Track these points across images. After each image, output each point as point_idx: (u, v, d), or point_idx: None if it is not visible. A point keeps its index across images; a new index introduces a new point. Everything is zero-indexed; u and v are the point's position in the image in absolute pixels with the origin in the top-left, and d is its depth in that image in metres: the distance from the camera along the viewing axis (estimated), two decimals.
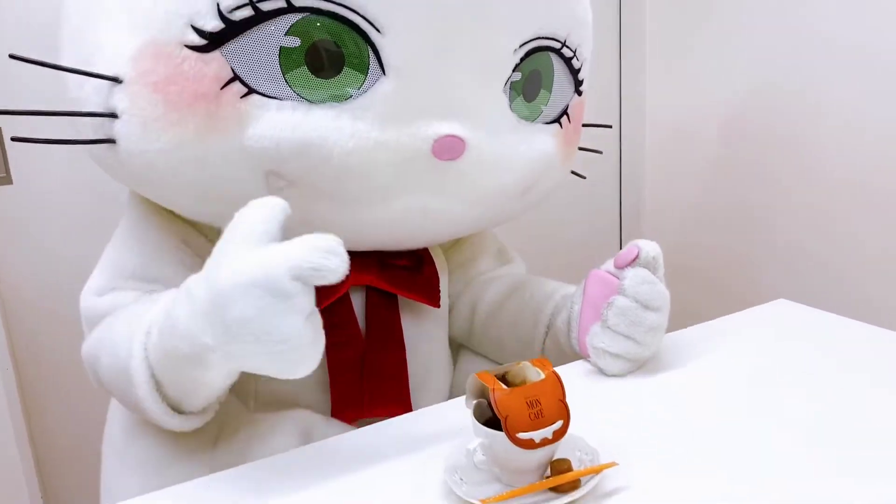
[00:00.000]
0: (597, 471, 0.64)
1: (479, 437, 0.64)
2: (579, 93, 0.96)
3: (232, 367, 0.68)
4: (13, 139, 0.79)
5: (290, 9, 0.71)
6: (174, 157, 0.75)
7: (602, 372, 0.86)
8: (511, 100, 0.86)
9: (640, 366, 0.86)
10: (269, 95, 0.73)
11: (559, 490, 0.63)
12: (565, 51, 0.88)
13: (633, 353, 0.83)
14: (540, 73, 0.88)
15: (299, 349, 0.61)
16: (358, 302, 0.92)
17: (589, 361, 0.88)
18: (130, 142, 0.76)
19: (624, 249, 0.86)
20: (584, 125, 1.05)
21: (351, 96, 0.75)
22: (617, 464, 0.64)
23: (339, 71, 0.74)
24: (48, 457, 1.40)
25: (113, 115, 0.76)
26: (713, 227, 1.77)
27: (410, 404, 0.95)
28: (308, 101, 0.74)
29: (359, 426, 0.82)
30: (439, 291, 0.96)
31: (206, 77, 0.72)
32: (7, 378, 1.29)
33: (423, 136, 0.76)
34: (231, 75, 0.72)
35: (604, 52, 1.87)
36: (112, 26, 0.76)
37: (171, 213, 0.89)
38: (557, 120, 0.93)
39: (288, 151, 0.74)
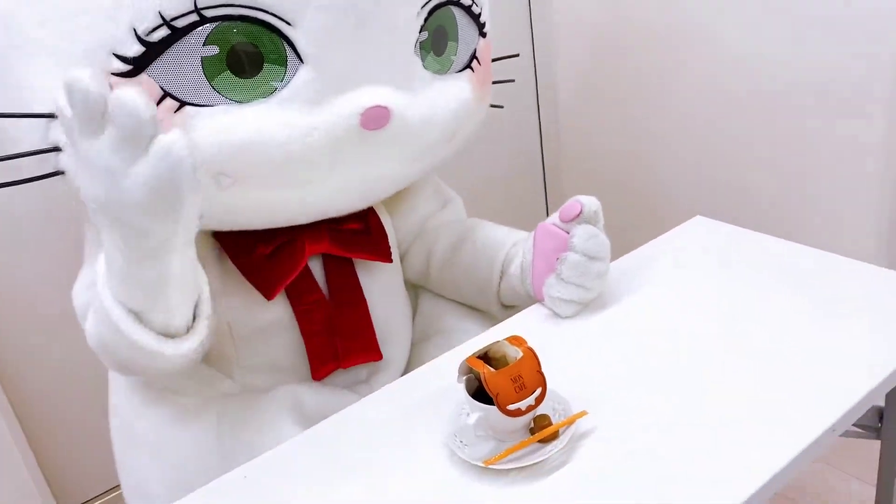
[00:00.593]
0: (571, 421, 0.78)
1: (475, 411, 0.76)
2: (483, 35, 1.03)
3: (135, 224, 0.72)
4: None
5: (203, 20, 0.76)
6: None
7: (557, 315, 0.99)
8: (423, 59, 0.93)
9: (586, 305, 1.00)
10: (200, 104, 0.79)
11: (544, 441, 0.77)
12: (464, 0, 0.96)
13: (584, 297, 0.97)
14: (444, 27, 0.95)
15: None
16: (317, 269, 1.01)
17: (544, 305, 1.01)
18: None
19: (567, 204, 0.97)
20: (493, 60, 1.11)
21: (276, 90, 0.81)
22: (587, 413, 0.79)
23: (260, 69, 0.80)
24: (46, 448, 1.48)
25: (56, 149, 0.81)
26: (629, 143, 1.90)
27: (379, 351, 1.06)
28: (238, 101, 0.80)
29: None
30: (389, 247, 1.06)
31: None
32: None
33: (349, 113, 0.83)
34: (161, 93, 0.77)
35: None
36: (38, 69, 0.80)
37: None
38: (468, 66, 1.00)
39: (228, 153, 0.80)
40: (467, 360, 0.77)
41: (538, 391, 0.76)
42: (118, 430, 1.06)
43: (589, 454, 0.76)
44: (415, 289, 1.23)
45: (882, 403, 0.96)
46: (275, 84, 0.81)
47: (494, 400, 0.74)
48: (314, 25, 0.79)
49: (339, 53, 0.82)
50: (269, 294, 0.96)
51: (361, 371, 1.07)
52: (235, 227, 0.94)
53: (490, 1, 1.06)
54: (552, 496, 0.72)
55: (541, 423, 0.78)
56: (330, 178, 0.89)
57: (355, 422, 0.87)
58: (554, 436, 0.77)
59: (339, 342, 1.02)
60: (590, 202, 0.95)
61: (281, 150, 0.81)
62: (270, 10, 0.77)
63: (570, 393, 0.82)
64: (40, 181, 0.84)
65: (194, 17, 0.75)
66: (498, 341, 0.79)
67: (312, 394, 1.00)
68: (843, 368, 0.83)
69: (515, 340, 0.79)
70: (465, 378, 0.78)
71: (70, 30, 0.76)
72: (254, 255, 0.96)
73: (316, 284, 1.00)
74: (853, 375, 0.81)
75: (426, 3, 0.89)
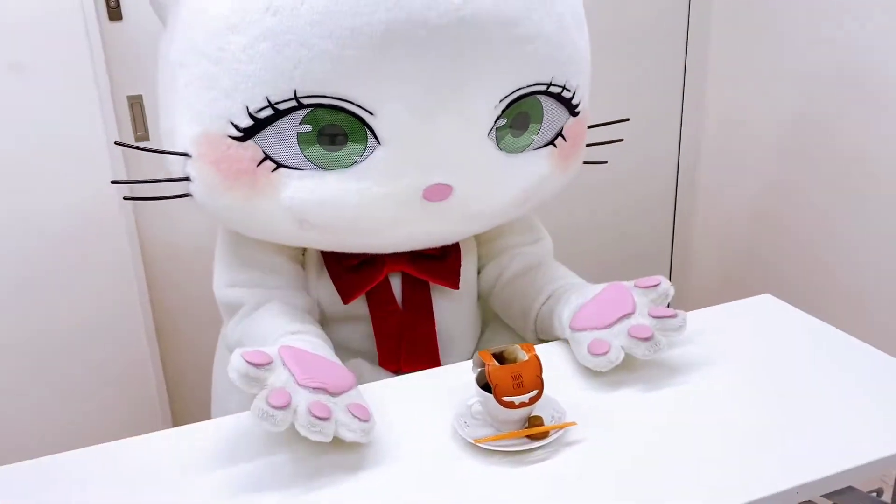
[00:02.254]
0: (561, 426, 0.89)
1: (478, 397, 0.90)
2: (576, 114, 1.13)
3: None
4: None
5: (301, 106, 0.95)
6: (233, 212, 1.03)
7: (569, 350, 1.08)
8: (499, 140, 1.05)
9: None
10: (292, 167, 0.98)
11: (533, 438, 0.89)
12: (552, 89, 1.06)
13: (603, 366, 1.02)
14: (527, 113, 1.07)
15: None
16: (397, 284, 1.18)
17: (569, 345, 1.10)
18: (201, 197, 1.04)
19: (649, 277, 1.07)
20: (600, 125, 1.23)
21: (355, 162, 0.98)
22: (576, 423, 0.90)
23: (343, 145, 0.98)
24: (176, 376, 1.77)
25: (187, 179, 1.04)
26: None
27: (440, 362, 1.20)
28: (323, 168, 0.98)
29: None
30: (458, 276, 1.20)
31: (245, 158, 0.97)
32: (144, 307, 1.65)
33: (414, 187, 0.99)
34: (263, 156, 0.97)
35: (671, 47, 2.04)
36: (180, 115, 1.02)
37: None
38: (552, 142, 1.11)
39: (310, 208, 0.99)
40: (480, 353, 0.91)
41: (534, 392, 0.88)
42: (217, 369, 1.29)
43: (569, 458, 0.87)
44: (486, 312, 1.36)
45: None
46: (355, 158, 0.98)
47: (493, 390, 0.87)
48: (391, 115, 0.96)
49: (412, 140, 0.98)
50: (346, 299, 1.14)
51: None
52: (329, 249, 1.14)
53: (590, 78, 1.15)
54: (526, 483, 0.84)
55: (535, 422, 0.90)
56: (395, 232, 1.06)
57: (386, 394, 1.02)
58: (544, 435, 0.89)
59: (404, 349, 1.17)
60: (666, 284, 1.06)
61: (353, 210, 0.99)
62: (355, 102, 0.95)
63: (571, 408, 0.93)
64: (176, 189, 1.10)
65: (293, 104, 0.94)
66: (514, 344, 0.93)
67: (371, 369, 1.17)
68: (820, 445, 0.88)
69: (526, 347, 0.92)
70: (478, 370, 0.92)
71: (203, 97, 0.98)
72: (342, 264, 1.14)
73: (393, 297, 1.17)
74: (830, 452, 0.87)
75: (506, 96, 1.01)
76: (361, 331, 1.19)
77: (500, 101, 1.01)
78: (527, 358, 0.90)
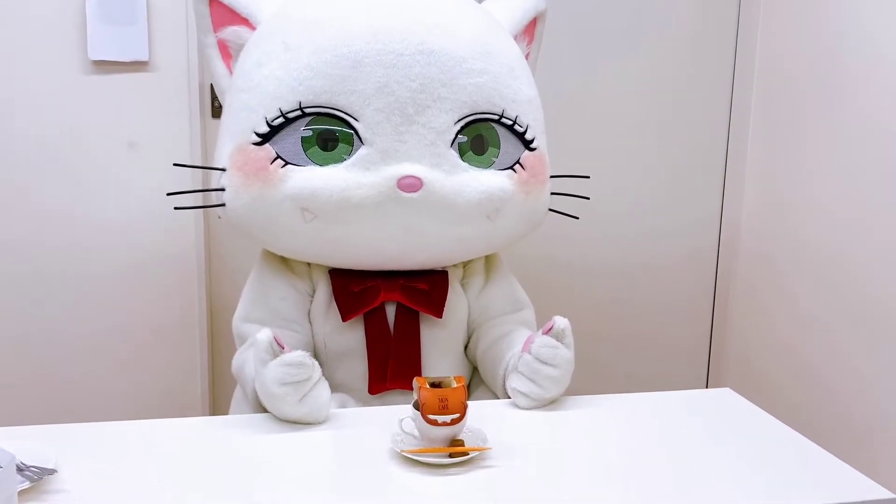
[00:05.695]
0: (478, 449, 1.04)
1: (410, 414, 1.07)
2: (531, 149, 1.38)
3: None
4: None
5: (304, 115, 1.25)
6: (251, 206, 1.29)
7: (515, 405, 1.24)
8: (461, 153, 1.30)
9: (545, 404, 1.23)
10: (296, 164, 1.26)
11: (453, 455, 1.04)
12: (504, 121, 1.33)
13: (536, 393, 1.22)
14: (483, 136, 1.32)
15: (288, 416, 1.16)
16: (391, 312, 1.39)
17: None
18: (230, 202, 1.32)
19: (549, 321, 1.24)
20: (562, 175, 1.48)
21: (344, 159, 1.26)
22: (491, 448, 1.05)
23: (336, 146, 1.26)
24: (222, 371, 2.04)
25: (222, 189, 1.33)
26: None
27: None
28: (319, 164, 1.26)
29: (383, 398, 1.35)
30: (443, 307, 1.39)
31: (261, 158, 1.27)
32: (201, 312, 1.98)
33: (390, 177, 1.24)
34: (275, 156, 1.27)
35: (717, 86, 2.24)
36: (222, 142, 1.35)
37: (281, 261, 1.42)
38: (511, 167, 1.35)
39: (308, 195, 1.25)
40: (417, 378, 1.08)
41: (457, 415, 1.04)
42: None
43: (481, 475, 1.02)
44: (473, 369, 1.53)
45: None
46: (344, 156, 1.26)
47: (421, 408, 1.04)
48: (371, 120, 1.25)
49: (389, 141, 1.25)
50: (344, 316, 1.36)
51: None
52: (332, 264, 1.38)
53: (543, 125, 1.42)
54: (441, 489, 0.99)
55: (456, 442, 1.06)
56: (377, 221, 1.27)
57: (346, 411, 1.22)
58: (462, 454, 1.04)
59: (391, 367, 1.37)
60: (561, 321, 1.23)
61: (340, 195, 1.24)
62: (344, 110, 1.25)
63: (494, 439, 1.08)
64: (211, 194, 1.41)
65: (299, 112, 1.26)
66: (449, 377, 1.10)
67: (356, 403, 1.35)
68: None
69: (458, 379, 1.09)
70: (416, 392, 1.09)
71: (237, 118, 1.31)
72: (347, 289, 1.37)
73: (386, 322, 1.38)
74: None
75: (462, 118, 1.29)
76: (356, 369, 1.38)
77: (457, 121, 1.29)
78: (455, 386, 1.07)
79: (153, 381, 1.99)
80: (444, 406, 1.04)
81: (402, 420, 1.09)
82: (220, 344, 2.06)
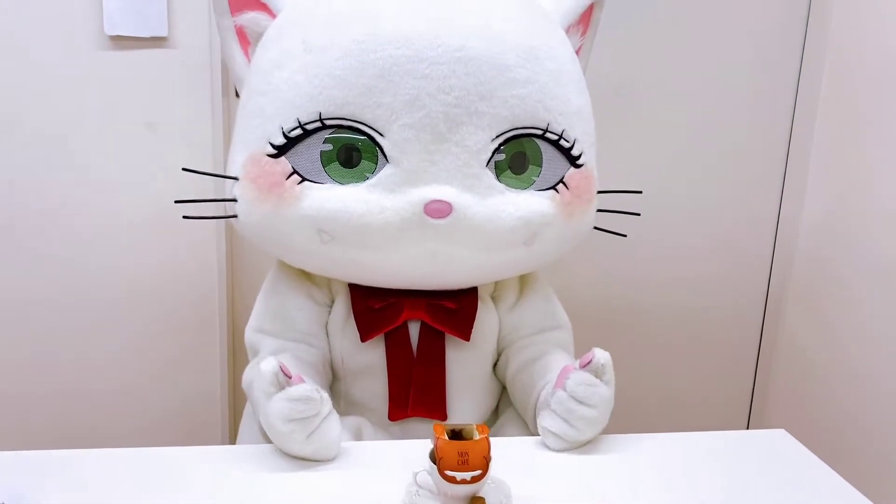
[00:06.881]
0: None
1: (426, 467, 0.96)
2: (577, 166, 1.23)
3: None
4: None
5: (325, 127, 1.11)
6: (264, 228, 1.18)
7: (545, 446, 1.13)
8: (498, 173, 1.15)
9: (578, 446, 1.12)
10: (314, 181, 1.13)
11: None
12: (549, 135, 1.17)
13: (569, 434, 1.10)
14: (524, 153, 1.17)
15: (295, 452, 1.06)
16: (415, 332, 1.27)
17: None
18: (242, 214, 1.20)
19: (588, 353, 1.12)
20: (611, 191, 1.33)
21: (367, 178, 1.12)
22: None
23: (358, 162, 1.12)
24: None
25: (234, 200, 1.21)
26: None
27: (445, 412, 1.28)
28: (339, 182, 1.13)
29: (403, 425, 1.25)
30: (471, 328, 1.27)
31: (277, 172, 1.13)
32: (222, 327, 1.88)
33: (416, 202, 1.10)
34: (291, 170, 1.13)
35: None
36: (235, 149, 1.22)
37: (299, 273, 1.30)
38: (553, 187, 1.20)
39: (325, 216, 1.12)
40: (434, 426, 0.97)
41: (478, 472, 0.93)
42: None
43: None
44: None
45: None
46: (367, 174, 1.13)
47: (438, 463, 0.93)
48: (398, 137, 1.10)
49: (416, 158, 1.11)
50: (363, 336, 1.25)
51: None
52: (353, 280, 1.26)
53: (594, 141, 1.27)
54: None
55: (478, 502, 0.94)
56: (402, 248, 1.15)
57: (359, 448, 1.12)
58: None
59: (413, 393, 1.26)
60: (601, 354, 1.09)
61: (360, 219, 1.12)
62: (368, 124, 1.10)
63: (520, 492, 0.97)
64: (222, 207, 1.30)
65: (318, 124, 1.11)
66: (471, 424, 0.98)
67: (374, 430, 1.25)
68: None
69: (481, 428, 0.97)
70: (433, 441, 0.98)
71: (251, 125, 1.18)
72: (367, 306, 1.25)
73: (409, 342, 1.27)
74: None
75: (501, 133, 1.13)
76: (375, 388, 1.28)
77: (496, 137, 1.14)
78: (477, 438, 0.95)
79: (171, 400, 1.91)
80: (464, 461, 0.93)
81: (416, 473, 0.98)
82: (241, 362, 1.95)
